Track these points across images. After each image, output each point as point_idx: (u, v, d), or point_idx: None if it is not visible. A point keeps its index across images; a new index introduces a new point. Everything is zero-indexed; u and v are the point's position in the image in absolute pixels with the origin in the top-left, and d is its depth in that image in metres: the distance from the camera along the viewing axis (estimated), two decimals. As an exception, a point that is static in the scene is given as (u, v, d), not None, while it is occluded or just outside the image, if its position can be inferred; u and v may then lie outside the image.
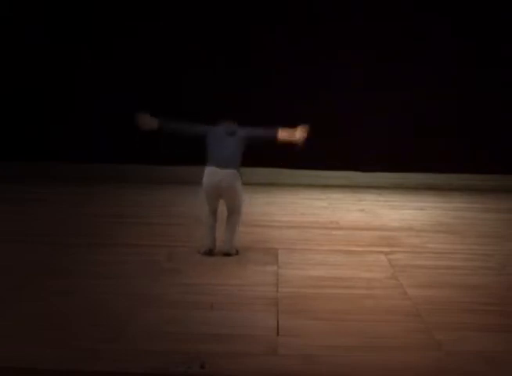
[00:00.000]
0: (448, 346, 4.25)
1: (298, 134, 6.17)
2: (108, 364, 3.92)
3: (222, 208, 6.26)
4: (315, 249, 6.42)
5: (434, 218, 8.01)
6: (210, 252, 6.12)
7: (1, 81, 10.06)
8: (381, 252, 6.38)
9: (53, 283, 5.33)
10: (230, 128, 6.24)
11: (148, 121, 6.29)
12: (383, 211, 8.41)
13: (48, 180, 9.64)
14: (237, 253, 6.17)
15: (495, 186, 9.95)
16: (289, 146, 6.29)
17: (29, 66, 10.03)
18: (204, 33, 9.97)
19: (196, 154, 10.05)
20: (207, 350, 4.07)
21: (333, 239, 6.89)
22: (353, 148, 9.95)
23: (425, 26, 9.98)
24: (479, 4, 9.99)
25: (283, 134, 6.20)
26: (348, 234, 7.03)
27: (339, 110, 9.84)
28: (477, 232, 7.39)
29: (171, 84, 10.02)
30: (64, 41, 10.05)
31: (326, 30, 9.91)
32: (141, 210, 8.11)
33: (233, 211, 6.17)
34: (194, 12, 10.02)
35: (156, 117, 6.21)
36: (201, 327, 4.46)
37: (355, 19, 9.96)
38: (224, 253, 6.11)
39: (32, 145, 10.09)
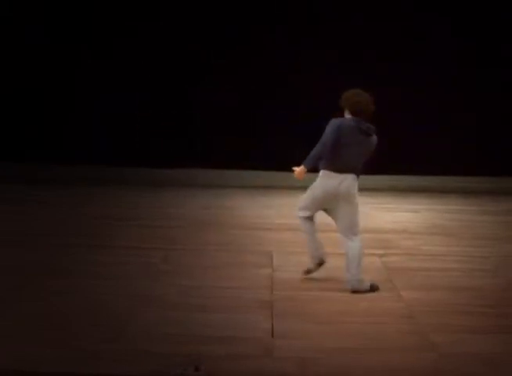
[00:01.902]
0: (445, 348, 4.26)
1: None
2: (107, 365, 3.93)
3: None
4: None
5: (428, 221, 7.98)
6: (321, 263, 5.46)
7: (1, 81, 10.04)
8: (376, 255, 6.35)
9: (53, 283, 5.35)
10: (366, 126, 5.38)
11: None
12: (377, 213, 8.33)
13: (48, 182, 9.60)
14: (371, 289, 5.31)
15: (492, 188, 9.86)
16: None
17: (29, 66, 10.02)
18: (204, 33, 9.97)
19: (196, 157, 10.15)
20: (203, 352, 4.08)
21: (328, 241, 6.76)
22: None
23: (425, 26, 9.97)
24: (479, 4, 9.98)
25: None
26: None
27: (334, 112, 9.83)
28: (473, 234, 7.36)
29: (171, 85, 10.02)
30: (64, 41, 10.04)
31: (326, 30, 9.90)
32: (140, 212, 8.09)
33: (350, 231, 5.35)
34: (194, 12, 10.02)
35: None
36: (196, 330, 4.47)
37: (355, 19, 9.95)
38: (352, 291, 5.27)
39: (32, 146, 10.06)
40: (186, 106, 10.08)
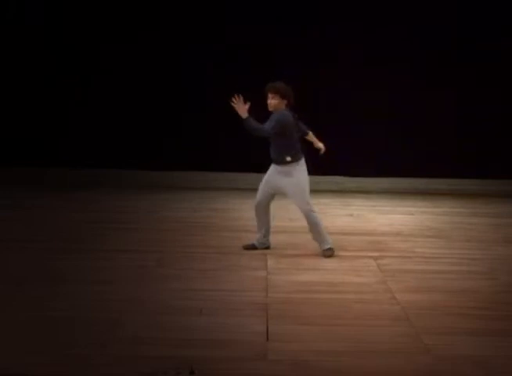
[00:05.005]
0: (439, 350, 4.26)
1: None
2: (102, 368, 3.94)
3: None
4: (304, 254, 6.42)
5: (423, 223, 7.97)
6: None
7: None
8: (370, 257, 6.37)
9: (46, 284, 5.36)
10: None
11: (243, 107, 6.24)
12: (372, 216, 8.34)
13: (44, 185, 9.59)
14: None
15: (487, 190, 9.87)
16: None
17: (28, 66, 10.02)
18: (204, 33, 9.98)
19: (195, 160, 10.15)
20: (197, 355, 4.08)
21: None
22: (342, 152, 9.87)
23: (425, 26, 9.98)
24: (479, 4, 9.98)
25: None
26: (337, 239, 6.90)
27: (329, 114, 9.84)
28: (467, 236, 7.35)
29: (172, 86, 10.03)
30: (64, 41, 10.05)
31: (326, 30, 9.90)
32: (137, 215, 8.07)
33: None
34: (194, 13, 10.03)
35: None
36: (191, 333, 4.47)
37: (355, 19, 9.95)
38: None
39: (30, 150, 10.06)
40: (185, 106, 10.08)
